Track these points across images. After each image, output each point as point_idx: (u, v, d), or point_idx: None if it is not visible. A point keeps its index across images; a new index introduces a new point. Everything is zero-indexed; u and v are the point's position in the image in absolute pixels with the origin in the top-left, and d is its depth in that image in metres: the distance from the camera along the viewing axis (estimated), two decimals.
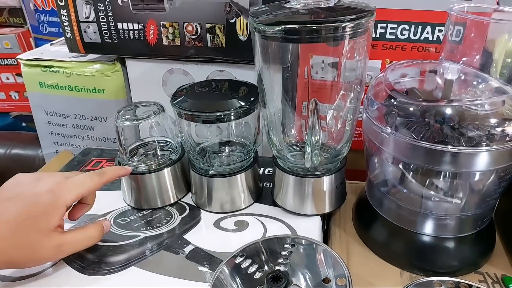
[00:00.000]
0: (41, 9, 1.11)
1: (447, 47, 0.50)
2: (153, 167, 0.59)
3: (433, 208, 0.48)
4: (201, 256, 0.51)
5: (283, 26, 0.44)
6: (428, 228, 0.49)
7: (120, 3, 0.67)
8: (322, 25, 0.43)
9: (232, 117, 0.53)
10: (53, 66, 0.79)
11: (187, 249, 0.52)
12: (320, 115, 0.54)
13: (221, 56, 0.67)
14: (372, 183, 0.55)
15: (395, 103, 0.46)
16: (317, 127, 0.53)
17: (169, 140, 0.63)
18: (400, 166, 0.48)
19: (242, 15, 0.62)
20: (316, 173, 0.54)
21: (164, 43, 0.68)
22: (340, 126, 0.56)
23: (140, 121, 0.58)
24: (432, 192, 0.47)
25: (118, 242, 0.54)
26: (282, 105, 0.58)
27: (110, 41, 0.71)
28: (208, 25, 0.65)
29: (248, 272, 0.46)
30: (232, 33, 0.64)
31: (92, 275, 0.49)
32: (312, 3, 0.48)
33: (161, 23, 0.67)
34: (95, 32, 0.71)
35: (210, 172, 0.58)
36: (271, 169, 0.62)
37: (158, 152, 0.62)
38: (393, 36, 0.60)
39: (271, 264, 0.46)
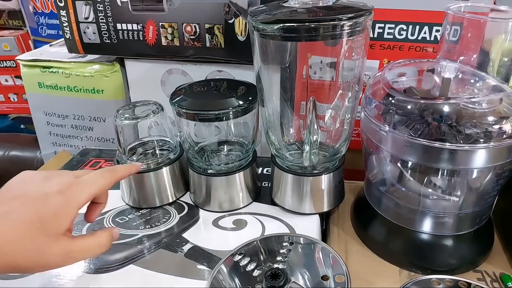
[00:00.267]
0: (40, 11, 1.11)
1: (445, 47, 0.51)
2: (152, 166, 0.59)
3: (431, 206, 0.48)
4: (200, 255, 0.51)
5: (281, 25, 0.44)
6: (427, 226, 0.49)
7: (119, 4, 0.67)
8: (320, 24, 0.43)
9: (231, 115, 0.53)
10: (52, 67, 0.79)
11: (186, 248, 0.52)
12: (319, 115, 0.54)
13: (220, 56, 0.68)
14: (370, 182, 0.55)
15: (393, 101, 0.47)
16: (316, 126, 0.53)
17: (167, 139, 0.64)
18: (398, 164, 0.48)
19: (240, 15, 0.63)
20: (315, 171, 0.54)
21: (163, 44, 0.69)
22: (338, 125, 0.56)
23: (139, 120, 0.58)
24: (430, 190, 0.47)
25: (116, 240, 0.53)
26: (281, 105, 0.58)
27: (109, 41, 0.71)
28: (207, 26, 0.65)
29: (247, 270, 0.46)
30: (230, 33, 0.65)
31: (90, 273, 0.49)
32: (311, 2, 0.48)
33: (160, 23, 0.67)
34: (94, 33, 0.71)
35: (208, 171, 0.58)
36: (270, 168, 0.62)
37: (157, 151, 0.63)
38: (391, 36, 0.60)
39: (270, 262, 0.46)
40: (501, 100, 0.45)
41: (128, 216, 0.59)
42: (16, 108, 1.22)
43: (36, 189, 0.42)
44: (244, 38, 0.64)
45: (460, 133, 0.43)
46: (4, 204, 0.40)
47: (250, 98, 0.54)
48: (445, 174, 0.45)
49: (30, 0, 1.10)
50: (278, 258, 0.47)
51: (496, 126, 0.43)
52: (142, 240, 0.54)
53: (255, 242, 0.50)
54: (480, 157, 0.42)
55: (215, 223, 0.57)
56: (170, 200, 0.61)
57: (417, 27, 0.59)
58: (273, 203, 0.60)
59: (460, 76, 0.48)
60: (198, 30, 0.66)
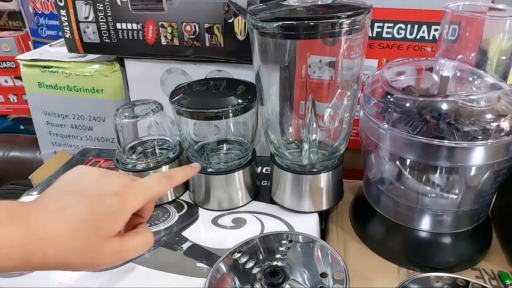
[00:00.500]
0: (40, 12, 1.11)
1: (443, 46, 0.51)
2: (151, 165, 0.59)
3: (429, 204, 0.48)
4: (199, 253, 0.51)
5: (281, 23, 0.44)
6: (425, 224, 0.49)
7: (119, 4, 0.68)
8: (319, 21, 0.43)
9: (230, 114, 0.53)
10: (52, 67, 0.79)
11: (185, 246, 0.52)
12: (318, 114, 0.54)
13: (219, 56, 0.68)
14: (369, 181, 0.55)
15: (391, 99, 0.47)
16: (314, 125, 0.53)
17: (167, 138, 0.64)
18: (397, 162, 0.48)
19: (240, 14, 0.63)
20: (314, 170, 0.55)
21: (162, 43, 0.69)
22: (337, 124, 0.56)
23: (138, 119, 0.58)
24: (428, 188, 0.47)
25: None
26: (280, 104, 0.58)
27: (109, 41, 0.72)
28: (206, 25, 0.66)
29: (246, 267, 0.46)
30: (230, 32, 0.65)
31: (90, 271, 0.49)
32: (310, 1, 0.49)
33: (160, 23, 0.67)
34: (94, 32, 0.72)
35: (208, 170, 0.58)
36: (269, 168, 0.62)
37: (156, 150, 0.63)
38: (390, 36, 0.61)
39: (269, 260, 0.46)
40: (499, 98, 0.45)
41: None
42: (16, 109, 1.23)
43: (93, 187, 0.41)
44: (244, 38, 0.65)
45: (458, 131, 0.44)
46: (61, 198, 0.39)
47: (249, 97, 0.55)
48: (443, 172, 0.46)
49: (30, 1, 1.10)
50: (277, 256, 0.47)
51: (494, 124, 0.43)
52: None
53: (254, 240, 0.50)
54: (478, 155, 0.42)
55: (215, 221, 0.57)
56: (170, 199, 0.62)
57: (416, 26, 0.59)
58: (272, 202, 0.60)
59: (458, 74, 0.48)
60: (197, 29, 0.66)
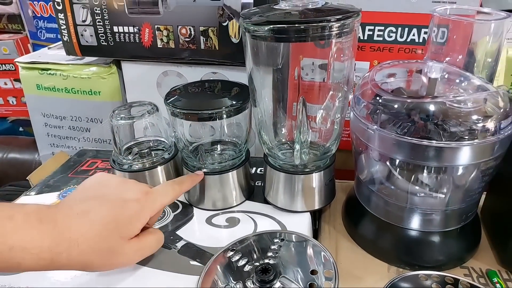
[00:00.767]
0: (40, 15, 1.13)
1: (432, 48, 0.52)
2: (147, 165, 0.60)
3: (419, 203, 0.49)
4: (193, 251, 0.52)
5: (272, 26, 0.45)
6: (415, 223, 0.50)
7: (116, 7, 0.69)
8: (309, 25, 0.45)
9: (224, 115, 0.54)
10: (50, 69, 0.80)
11: (179, 244, 0.53)
12: (310, 116, 0.55)
13: (214, 58, 0.69)
14: (360, 181, 0.56)
15: (380, 100, 0.48)
16: (306, 126, 0.54)
17: (162, 139, 0.65)
18: (387, 163, 0.49)
19: (234, 18, 0.64)
20: (306, 170, 0.56)
21: (158, 46, 0.70)
22: (329, 125, 0.57)
23: (134, 120, 0.60)
24: (417, 188, 0.48)
25: None
26: (273, 105, 0.59)
27: (106, 44, 0.73)
28: (201, 28, 0.67)
29: (238, 265, 0.47)
30: (224, 35, 0.66)
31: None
32: (301, 5, 0.50)
33: (156, 26, 0.69)
34: (91, 35, 0.73)
35: (202, 170, 0.59)
36: (263, 168, 0.63)
37: (152, 151, 0.64)
38: (381, 38, 0.62)
39: (261, 258, 0.47)
40: (486, 99, 0.46)
41: None
42: (15, 111, 1.24)
43: (114, 193, 0.45)
44: (238, 40, 0.66)
45: (446, 131, 0.45)
46: (85, 202, 0.43)
47: (243, 99, 0.56)
48: (431, 171, 0.47)
49: (30, 4, 1.11)
50: (269, 254, 0.48)
51: (480, 124, 0.44)
52: None
53: (247, 239, 0.51)
54: (465, 154, 0.43)
55: (209, 221, 0.58)
56: None
57: (406, 29, 0.60)
58: (266, 202, 0.61)
59: (446, 76, 0.49)
60: (193, 32, 0.67)
